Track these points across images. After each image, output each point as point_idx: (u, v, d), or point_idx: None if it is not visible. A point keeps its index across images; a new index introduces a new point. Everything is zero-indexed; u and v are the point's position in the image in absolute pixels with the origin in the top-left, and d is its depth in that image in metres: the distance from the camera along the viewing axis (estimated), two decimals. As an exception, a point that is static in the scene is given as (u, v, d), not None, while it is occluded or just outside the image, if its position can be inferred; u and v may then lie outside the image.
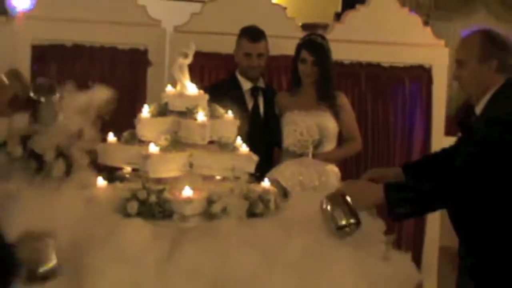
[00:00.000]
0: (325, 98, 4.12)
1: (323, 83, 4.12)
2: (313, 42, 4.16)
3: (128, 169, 3.46)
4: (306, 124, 3.92)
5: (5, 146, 3.64)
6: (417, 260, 4.93)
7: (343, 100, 4.21)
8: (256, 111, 4.23)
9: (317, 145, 3.95)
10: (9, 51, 4.46)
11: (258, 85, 4.26)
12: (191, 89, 3.42)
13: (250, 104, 4.22)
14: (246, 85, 4.23)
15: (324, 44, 4.15)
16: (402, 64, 4.90)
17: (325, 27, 8.79)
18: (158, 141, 3.21)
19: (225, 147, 3.30)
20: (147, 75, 4.66)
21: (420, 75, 4.91)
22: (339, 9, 8.86)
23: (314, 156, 3.93)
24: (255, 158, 3.32)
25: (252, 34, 4.21)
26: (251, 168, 3.30)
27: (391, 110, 4.89)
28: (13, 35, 4.47)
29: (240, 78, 4.24)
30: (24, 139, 3.63)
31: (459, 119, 3.09)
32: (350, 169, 4.60)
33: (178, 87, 3.43)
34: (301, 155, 3.92)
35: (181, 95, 3.37)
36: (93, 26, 4.54)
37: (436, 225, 4.93)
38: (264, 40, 4.22)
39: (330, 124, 4.10)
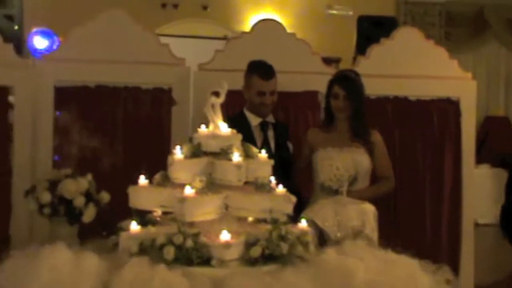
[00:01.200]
0: (359, 134, 4.05)
1: (357, 119, 4.05)
2: (345, 76, 4.14)
3: (158, 212, 3.38)
4: (342, 159, 3.84)
5: (34, 192, 3.58)
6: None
7: (377, 137, 4.13)
8: (267, 146, 4.10)
9: (352, 181, 3.86)
10: (32, 93, 4.40)
11: (267, 120, 4.17)
12: (224, 129, 3.35)
13: (259, 140, 4.11)
14: (254, 120, 4.14)
15: (356, 79, 4.10)
16: (429, 97, 4.80)
17: (338, 61, 8.83)
18: (193, 183, 3.13)
19: (262, 187, 3.22)
20: (171, 114, 4.57)
21: (448, 108, 4.80)
22: (354, 42, 8.87)
23: (348, 193, 3.83)
24: (293, 199, 3.23)
25: (265, 72, 4.11)
26: (289, 209, 3.22)
27: (420, 144, 4.78)
28: (36, 77, 4.40)
29: (249, 114, 4.15)
30: (53, 184, 3.57)
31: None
32: (380, 205, 4.49)
33: (211, 127, 3.36)
34: (336, 191, 3.82)
35: (214, 135, 3.30)
36: (116, 67, 4.48)
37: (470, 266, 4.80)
38: (275, 76, 4.13)
39: (365, 161, 4.01)
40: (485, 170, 10.00)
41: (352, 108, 4.05)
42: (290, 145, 4.24)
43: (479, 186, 9.26)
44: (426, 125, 4.80)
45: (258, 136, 4.13)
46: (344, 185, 3.80)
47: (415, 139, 4.78)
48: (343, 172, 3.79)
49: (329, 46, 8.47)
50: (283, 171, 4.01)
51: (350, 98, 4.03)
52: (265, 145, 4.05)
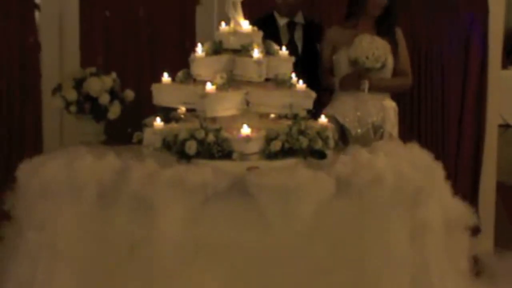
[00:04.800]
0: (386, 33, 3.91)
1: (388, 17, 3.93)
2: None
3: (182, 109, 3.45)
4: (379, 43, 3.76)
5: (60, 90, 3.67)
6: (473, 195, 4.81)
7: (400, 35, 4.01)
8: (293, 46, 4.04)
9: (380, 69, 3.78)
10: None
11: (295, 20, 4.15)
12: (245, 26, 3.36)
13: (285, 40, 4.09)
14: (282, 21, 4.14)
15: None
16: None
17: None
18: (214, 80, 3.18)
19: (282, 84, 3.26)
20: (195, 14, 4.56)
21: (476, 3, 4.66)
22: None
23: (368, 79, 3.78)
24: (313, 94, 3.27)
25: None
26: (309, 105, 3.26)
27: (445, 41, 4.68)
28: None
29: (277, 15, 4.16)
30: (79, 83, 3.64)
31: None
32: (404, 105, 4.50)
33: (232, 25, 3.37)
34: (366, 70, 3.74)
35: (235, 32, 3.32)
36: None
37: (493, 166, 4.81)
38: None
39: (389, 59, 3.90)
40: (515, 72, 9.83)
41: (388, 5, 3.90)
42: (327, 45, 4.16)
43: (509, 87, 9.17)
44: (453, 21, 4.68)
45: (284, 36, 4.12)
46: (365, 83, 3.78)
47: (440, 36, 4.68)
48: (381, 53, 3.70)
49: None
50: (309, 72, 4.00)
51: None
52: (291, 45, 3.99)
